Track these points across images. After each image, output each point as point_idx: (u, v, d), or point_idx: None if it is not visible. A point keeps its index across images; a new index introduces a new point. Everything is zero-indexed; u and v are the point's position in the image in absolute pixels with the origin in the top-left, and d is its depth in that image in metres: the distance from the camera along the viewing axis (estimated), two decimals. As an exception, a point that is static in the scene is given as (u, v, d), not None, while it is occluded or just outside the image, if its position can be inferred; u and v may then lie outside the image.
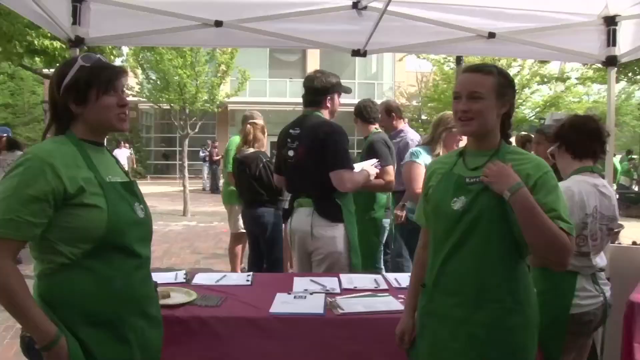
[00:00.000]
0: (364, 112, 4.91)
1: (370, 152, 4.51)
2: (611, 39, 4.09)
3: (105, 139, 2.13)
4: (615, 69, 4.26)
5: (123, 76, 1.95)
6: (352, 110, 5.03)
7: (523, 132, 8.09)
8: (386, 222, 4.95)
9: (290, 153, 3.70)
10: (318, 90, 3.75)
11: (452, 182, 2.14)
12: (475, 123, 2.08)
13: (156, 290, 2.13)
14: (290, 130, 3.75)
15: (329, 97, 3.77)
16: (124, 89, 1.97)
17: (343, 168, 3.55)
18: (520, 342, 2.07)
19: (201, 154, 22.43)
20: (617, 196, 2.97)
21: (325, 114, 3.77)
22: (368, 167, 3.90)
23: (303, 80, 3.90)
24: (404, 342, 2.33)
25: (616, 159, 14.66)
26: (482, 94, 2.06)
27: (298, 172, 3.70)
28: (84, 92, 1.88)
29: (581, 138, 2.80)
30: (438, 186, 2.20)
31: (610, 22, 4.05)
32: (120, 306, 1.87)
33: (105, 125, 1.95)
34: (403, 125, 5.60)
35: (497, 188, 1.99)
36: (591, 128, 2.80)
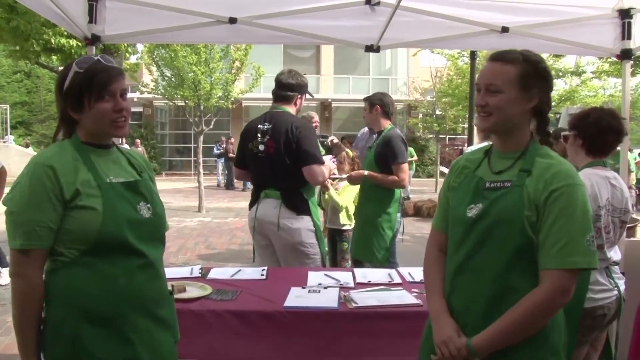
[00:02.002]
0: (386, 103, 4.72)
1: (387, 147, 4.48)
2: (626, 32, 4.05)
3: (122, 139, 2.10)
4: (631, 62, 4.22)
5: (120, 79, 1.87)
6: (363, 105, 4.91)
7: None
8: (399, 216, 4.95)
9: (261, 147, 3.79)
10: (292, 87, 3.91)
11: (472, 186, 1.94)
12: (492, 119, 1.86)
13: (171, 294, 2.09)
14: (259, 126, 3.84)
15: (299, 96, 3.96)
16: (124, 91, 1.88)
17: (315, 163, 3.72)
18: None
19: (215, 150, 22.32)
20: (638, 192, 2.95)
21: (292, 111, 3.92)
22: (327, 161, 4.04)
23: (275, 76, 4.02)
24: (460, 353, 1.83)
25: (631, 157, 14.33)
26: (499, 86, 1.83)
27: (267, 165, 3.79)
28: (79, 99, 1.83)
29: (602, 137, 2.77)
30: (459, 188, 2.00)
31: (625, 15, 4.01)
32: (120, 304, 1.84)
33: (101, 132, 1.89)
34: None
35: None
36: (614, 128, 2.76)
